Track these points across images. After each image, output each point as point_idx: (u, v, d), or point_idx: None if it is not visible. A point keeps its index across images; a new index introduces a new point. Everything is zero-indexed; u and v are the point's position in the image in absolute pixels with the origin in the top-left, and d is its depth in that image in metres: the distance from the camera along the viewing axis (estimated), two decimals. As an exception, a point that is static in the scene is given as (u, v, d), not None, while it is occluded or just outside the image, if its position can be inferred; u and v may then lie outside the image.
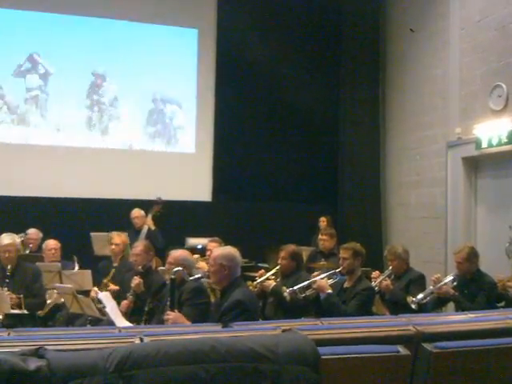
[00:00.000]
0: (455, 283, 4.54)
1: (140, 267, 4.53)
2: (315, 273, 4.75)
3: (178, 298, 3.69)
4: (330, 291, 4.23)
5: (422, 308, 4.36)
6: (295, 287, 4.30)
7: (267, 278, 4.65)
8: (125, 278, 4.70)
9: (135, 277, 4.44)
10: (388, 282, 4.63)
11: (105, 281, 4.90)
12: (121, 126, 8.09)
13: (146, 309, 4.08)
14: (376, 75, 8.42)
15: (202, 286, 3.84)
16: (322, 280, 4.33)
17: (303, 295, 4.30)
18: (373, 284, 4.58)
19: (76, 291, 4.26)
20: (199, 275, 3.90)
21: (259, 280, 4.65)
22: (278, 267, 4.67)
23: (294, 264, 4.58)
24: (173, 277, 3.56)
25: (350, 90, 8.43)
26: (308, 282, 4.36)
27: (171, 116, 8.25)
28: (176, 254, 4.05)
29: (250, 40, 8.03)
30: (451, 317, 3.20)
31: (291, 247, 4.62)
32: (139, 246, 4.65)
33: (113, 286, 4.78)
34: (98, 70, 8.00)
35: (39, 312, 4.45)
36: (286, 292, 4.28)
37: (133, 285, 4.38)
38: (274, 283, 4.59)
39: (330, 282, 4.36)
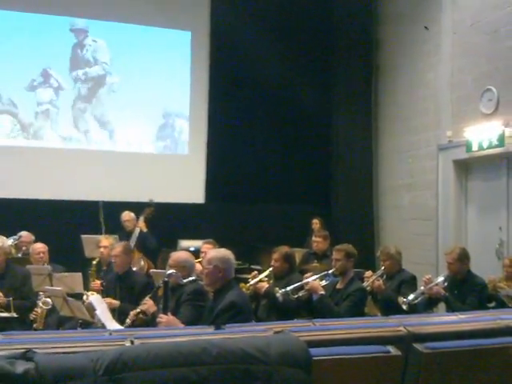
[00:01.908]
0: (446, 284, 4.56)
1: (120, 270, 4.48)
2: (308, 274, 4.75)
3: (176, 300, 3.67)
4: (322, 292, 4.24)
5: (414, 309, 4.37)
6: (288, 288, 4.30)
7: (260, 280, 4.65)
8: (107, 279, 4.67)
9: (105, 299, 4.34)
10: (380, 281, 4.65)
11: (91, 280, 4.92)
12: (113, 128, 8.06)
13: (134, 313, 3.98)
14: (369, 78, 8.45)
15: (203, 288, 3.78)
16: (314, 281, 4.34)
17: (296, 296, 4.30)
18: (365, 284, 4.60)
19: (67, 294, 4.23)
20: (193, 277, 3.87)
21: (252, 282, 4.64)
22: (270, 269, 4.67)
23: (286, 266, 4.59)
24: (166, 279, 3.54)
25: (343, 93, 8.46)
26: (300, 283, 4.37)
27: (164, 118, 8.23)
28: (176, 255, 3.99)
29: (243, 42, 8.04)
30: (442, 317, 3.21)
31: (284, 249, 4.62)
32: (118, 247, 4.57)
33: (100, 283, 4.78)
34: (92, 71, 7.99)
35: (35, 325, 4.41)
36: (279, 293, 4.28)
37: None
38: (267, 285, 4.59)
39: (323, 283, 4.37)
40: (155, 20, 8.06)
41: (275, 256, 4.57)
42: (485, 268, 5.27)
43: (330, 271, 4.42)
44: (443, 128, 6.98)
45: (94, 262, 5.20)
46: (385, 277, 4.74)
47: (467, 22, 6.63)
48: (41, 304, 4.41)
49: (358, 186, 8.30)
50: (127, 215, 6.53)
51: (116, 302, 4.29)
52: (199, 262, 4.68)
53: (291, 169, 8.40)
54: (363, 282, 4.65)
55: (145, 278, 4.51)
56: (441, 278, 4.63)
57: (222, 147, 8.16)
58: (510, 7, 6.00)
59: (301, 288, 4.34)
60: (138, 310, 3.83)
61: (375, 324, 2.60)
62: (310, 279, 4.39)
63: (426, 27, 6.94)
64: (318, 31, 8.50)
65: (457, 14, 6.83)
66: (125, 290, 4.35)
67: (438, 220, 6.98)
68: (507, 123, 5.96)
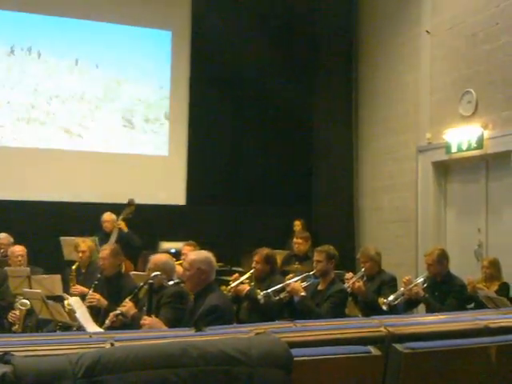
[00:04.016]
0: (426, 285, 4.62)
1: (108, 273, 4.44)
2: (289, 275, 4.76)
3: (156, 302, 3.64)
4: (303, 294, 4.25)
5: (394, 309, 4.41)
6: (269, 290, 4.30)
7: (241, 282, 4.64)
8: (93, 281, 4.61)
9: (91, 292, 4.34)
10: (360, 283, 4.67)
11: (71, 284, 4.86)
12: (93, 128, 7.97)
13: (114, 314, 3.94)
14: (349, 81, 8.52)
15: (184, 291, 3.76)
16: (295, 283, 4.35)
17: (277, 298, 4.31)
18: (346, 285, 4.62)
19: (46, 296, 4.17)
20: (177, 280, 3.84)
21: (233, 284, 4.63)
22: (252, 271, 4.67)
23: (267, 268, 4.58)
24: (151, 281, 3.51)
25: (324, 95, 8.50)
26: (282, 284, 4.37)
27: (144, 118, 8.16)
28: (156, 258, 3.98)
29: (224, 42, 8.02)
30: (422, 318, 3.25)
31: (265, 251, 4.61)
32: (106, 249, 4.55)
33: (81, 288, 4.73)
34: (71, 70, 7.89)
35: (14, 328, 4.33)
36: (260, 295, 4.28)
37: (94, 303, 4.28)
38: (248, 287, 4.58)
39: (304, 284, 4.38)
40: (135, 19, 8.00)
41: (256, 258, 4.57)
42: (464, 269, 5.35)
43: (311, 273, 4.44)
44: (422, 130, 7.08)
45: (74, 267, 5.14)
46: (365, 278, 4.78)
47: (446, 25, 6.73)
48: (19, 305, 4.34)
49: (339, 188, 8.35)
50: (108, 216, 6.48)
51: (105, 301, 4.26)
52: (180, 264, 4.64)
53: (272, 170, 8.41)
54: (344, 283, 4.68)
55: (133, 282, 4.46)
56: (420, 279, 4.68)
57: (203, 148, 8.13)
58: (488, 11, 6.12)
59: (282, 290, 4.35)
60: (118, 311, 3.79)
61: (356, 325, 2.62)
62: (291, 281, 4.40)
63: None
64: (300, 33, 8.53)
65: (436, 17, 6.93)
66: (112, 293, 4.31)
67: (418, 221, 7.06)
68: (486, 125, 6.07)
